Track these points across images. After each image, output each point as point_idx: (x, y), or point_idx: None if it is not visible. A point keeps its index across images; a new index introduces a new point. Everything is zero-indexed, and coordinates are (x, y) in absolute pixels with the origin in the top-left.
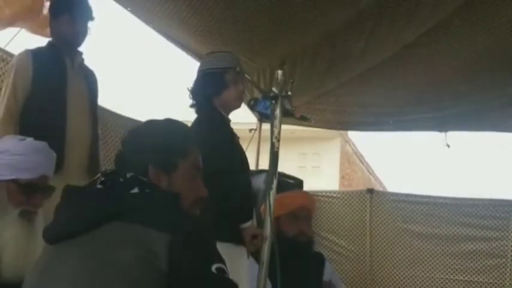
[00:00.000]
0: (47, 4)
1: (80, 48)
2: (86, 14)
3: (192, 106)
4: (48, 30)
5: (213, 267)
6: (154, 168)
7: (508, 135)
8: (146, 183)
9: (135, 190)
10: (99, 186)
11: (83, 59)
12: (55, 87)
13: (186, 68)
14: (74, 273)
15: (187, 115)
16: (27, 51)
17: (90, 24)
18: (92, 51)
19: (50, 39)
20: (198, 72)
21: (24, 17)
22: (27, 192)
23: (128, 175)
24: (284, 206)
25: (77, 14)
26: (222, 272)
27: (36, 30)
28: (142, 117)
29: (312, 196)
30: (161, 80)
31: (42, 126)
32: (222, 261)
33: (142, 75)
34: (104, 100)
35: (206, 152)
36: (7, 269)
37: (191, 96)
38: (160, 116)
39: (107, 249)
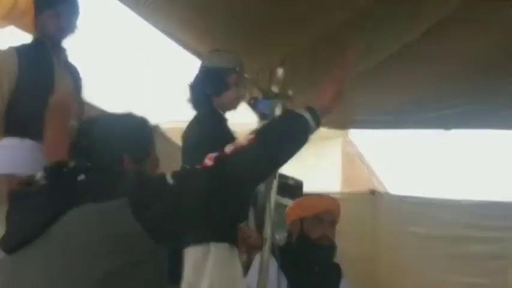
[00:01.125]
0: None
1: (65, 45)
2: (71, 10)
3: (189, 101)
4: None
5: (168, 179)
6: (130, 157)
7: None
8: (90, 168)
9: (82, 177)
10: (43, 182)
11: (67, 55)
12: (43, 84)
13: (180, 68)
14: (45, 273)
15: (180, 114)
16: (11, 48)
17: (76, 20)
18: (83, 47)
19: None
20: (201, 68)
21: (17, 15)
22: None
23: (71, 164)
24: (309, 208)
25: (61, 9)
26: (175, 172)
27: (28, 29)
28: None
29: (337, 202)
30: (154, 78)
31: (30, 124)
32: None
33: (136, 73)
34: (93, 96)
35: (206, 150)
36: None
37: (190, 91)
38: (158, 115)
39: (70, 240)
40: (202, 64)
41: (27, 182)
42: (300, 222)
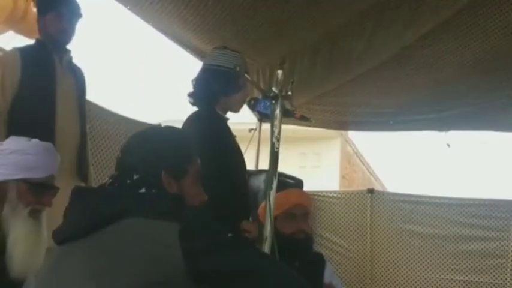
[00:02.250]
0: (32, 7)
1: (70, 46)
2: (74, 12)
3: (192, 95)
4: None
5: (229, 234)
6: (167, 174)
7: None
8: (153, 184)
9: (143, 190)
10: (107, 187)
11: (71, 57)
12: (44, 85)
13: (181, 68)
14: (83, 270)
15: (179, 114)
16: (14, 49)
17: (77, 22)
18: (86, 49)
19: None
20: (209, 66)
21: (11, 21)
22: (37, 191)
23: (135, 177)
24: (279, 206)
25: (64, 11)
26: (238, 236)
27: (27, 34)
28: (134, 114)
29: (306, 193)
30: (154, 79)
31: (32, 125)
32: (229, 231)
33: (137, 74)
34: (95, 97)
35: (206, 146)
36: (17, 267)
37: (196, 86)
38: (155, 114)
39: (115, 247)
40: (209, 61)
41: (101, 185)
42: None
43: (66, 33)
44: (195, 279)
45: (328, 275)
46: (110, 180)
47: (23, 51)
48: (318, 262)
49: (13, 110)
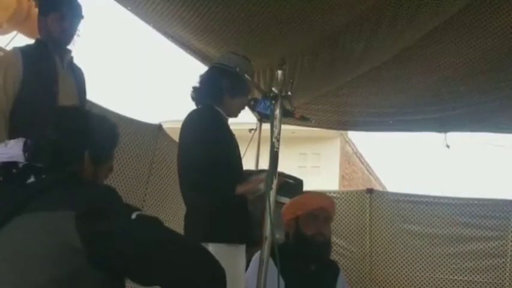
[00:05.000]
0: (35, 7)
1: (70, 47)
2: (75, 12)
3: (195, 90)
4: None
5: (133, 215)
6: (90, 156)
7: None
8: (40, 169)
9: (31, 179)
10: None
11: (71, 57)
12: (46, 85)
13: (181, 69)
14: None
15: (179, 114)
16: (15, 49)
17: (79, 23)
18: (87, 49)
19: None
20: (214, 64)
21: (15, 22)
22: None
23: (20, 164)
24: (304, 206)
25: (66, 11)
26: (143, 216)
27: (30, 34)
28: (134, 114)
29: (332, 199)
30: (154, 79)
31: (34, 125)
32: (139, 209)
33: (137, 74)
34: (96, 97)
35: (203, 134)
36: None
37: (203, 82)
38: (155, 114)
39: (14, 248)
40: (217, 60)
41: None
42: (295, 221)
43: (68, 34)
44: (97, 265)
45: (341, 284)
46: None
47: (24, 51)
48: (333, 269)
49: (15, 109)
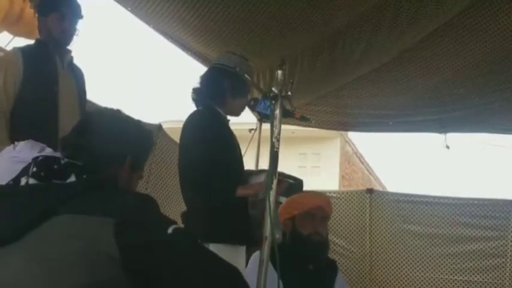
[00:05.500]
0: (29, 8)
1: (73, 46)
2: (75, 12)
3: (196, 91)
4: (35, 33)
5: (169, 230)
6: (131, 161)
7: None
8: (82, 168)
9: (72, 178)
10: (31, 180)
11: (72, 57)
12: (46, 85)
13: (181, 69)
14: (17, 280)
15: (179, 115)
16: (16, 49)
17: (79, 23)
18: (88, 49)
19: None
20: (214, 64)
21: (7, 23)
22: None
23: (63, 161)
24: (300, 205)
25: (67, 12)
26: (179, 230)
27: (23, 34)
28: (135, 114)
29: (328, 198)
30: (155, 79)
31: (34, 125)
32: (175, 222)
33: (138, 75)
34: (96, 97)
35: (206, 141)
36: None
37: (205, 82)
38: (155, 114)
39: (49, 248)
40: (217, 61)
41: (24, 170)
42: (291, 220)
43: (68, 34)
44: (131, 275)
45: (340, 283)
46: (35, 169)
47: (25, 51)
48: (331, 268)
49: (15, 109)
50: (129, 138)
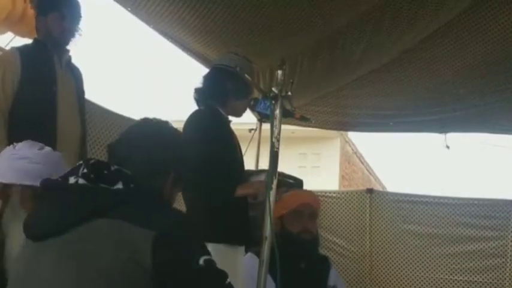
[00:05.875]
0: (29, 9)
1: (68, 46)
2: (75, 12)
3: (198, 92)
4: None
5: (201, 260)
6: (175, 175)
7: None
8: (130, 178)
9: (119, 185)
10: (81, 180)
11: (70, 57)
12: (45, 85)
13: (181, 69)
14: (54, 275)
15: (179, 115)
16: (14, 49)
17: (78, 22)
18: (88, 49)
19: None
20: (215, 65)
21: (9, 22)
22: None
23: (113, 168)
24: (288, 204)
25: (67, 11)
26: (210, 263)
27: (25, 34)
28: (134, 114)
29: (315, 195)
30: (156, 79)
31: (33, 125)
32: (209, 253)
33: (139, 75)
34: (97, 97)
35: (206, 141)
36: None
37: (203, 83)
38: (155, 115)
39: (89, 248)
40: (218, 61)
41: (74, 170)
42: (280, 220)
43: (68, 34)
44: None
45: (333, 278)
46: (85, 171)
47: (22, 50)
48: (324, 264)
49: (14, 109)
50: (175, 154)
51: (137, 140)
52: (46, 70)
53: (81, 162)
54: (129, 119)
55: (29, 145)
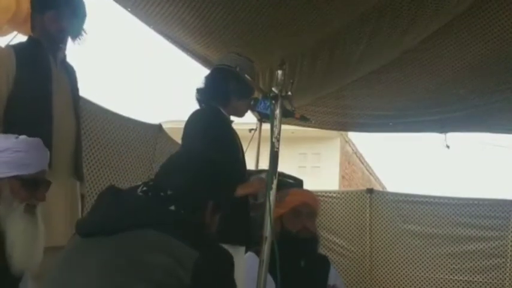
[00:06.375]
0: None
1: (79, 45)
2: (74, 12)
3: (200, 92)
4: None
5: None
6: (215, 205)
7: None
8: (182, 204)
9: (172, 207)
10: (140, 193)
11: (65, 55)
12: (40, 83)
13: (182, 69)
14: (99, 267)
15: (180, 115)
16: (8, 47)
17: (78, 23)
18: (88, 49)
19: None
20: (217, 65)
21: (15, 23)
22: (30, 187)
23: (169, 192)
24: (286, 204)
25: (65, 10)
26: None
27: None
28: (134, 114)
29: (314, 194)
30: (156, 79)
31: (29, 124)
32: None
33: (139, 75)
34: (98, 96)
35: (206, 140)
36: (17, 262)
37: (210, 82)
38: (156, 114)
39: (137, 250)
40: (219, 61)
41: (134, 188)
42: (280, 220)
43: (66, 33)
44: None
45: (333, 277)
46: (145, 188)
47: (17, 48)
48: (323, 264)
49: (9, 107)
50: (217, 186)
51: (182, 174)
52: (42, 68)
53: (140, 183)
54: (129, 119)
55: (4, 137)
